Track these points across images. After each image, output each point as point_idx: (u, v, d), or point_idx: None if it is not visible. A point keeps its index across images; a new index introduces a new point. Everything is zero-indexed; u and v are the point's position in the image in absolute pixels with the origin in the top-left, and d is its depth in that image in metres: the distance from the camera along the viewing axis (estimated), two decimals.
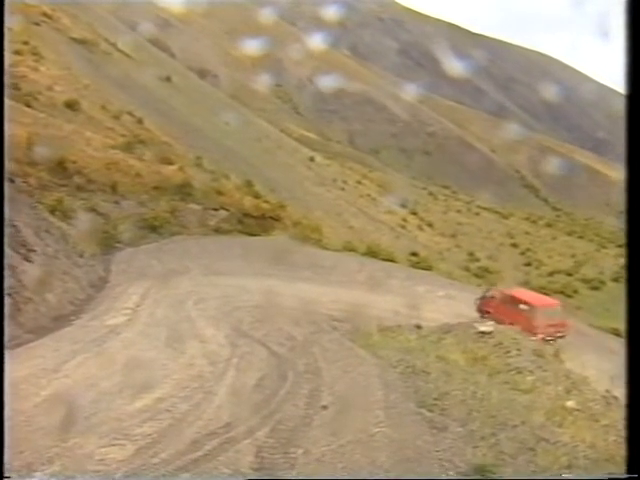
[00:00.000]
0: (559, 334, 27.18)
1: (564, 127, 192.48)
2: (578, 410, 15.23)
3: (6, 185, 26.94)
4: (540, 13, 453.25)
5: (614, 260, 75.99)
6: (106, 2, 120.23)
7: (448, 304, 33.07)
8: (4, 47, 8.63)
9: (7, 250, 22.75)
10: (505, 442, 11.69)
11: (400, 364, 16.79)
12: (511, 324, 26.34)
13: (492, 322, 22.96)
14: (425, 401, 13.62)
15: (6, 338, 17.79)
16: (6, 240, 23.37)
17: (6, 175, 28.23)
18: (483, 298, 30.86)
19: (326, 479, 9.98)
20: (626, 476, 7.78)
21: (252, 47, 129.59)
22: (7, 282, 19.66)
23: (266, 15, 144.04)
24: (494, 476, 10.51)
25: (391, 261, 48.05)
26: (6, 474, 8.17)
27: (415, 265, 52.59)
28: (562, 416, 14.34)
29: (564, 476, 11.15)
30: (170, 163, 54.35)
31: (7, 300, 19.64)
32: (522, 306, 28.69)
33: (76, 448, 10.10)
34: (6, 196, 25.65)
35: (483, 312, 29.72)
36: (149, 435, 10.76)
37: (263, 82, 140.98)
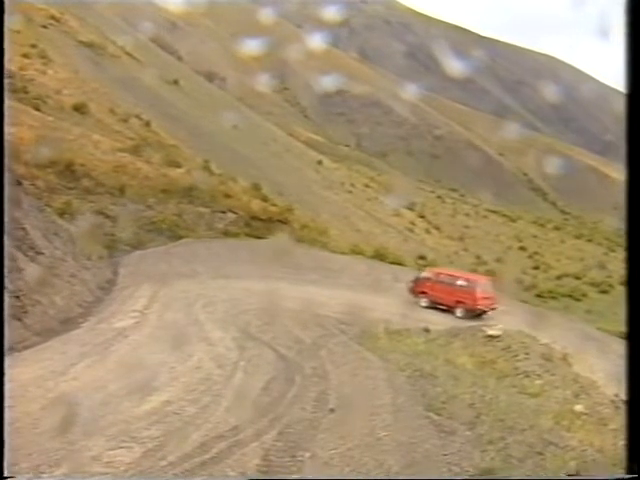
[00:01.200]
0: (492, 306, 31.61)
1: (572, 130, 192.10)
2: (586, 414, 15.18)
3: (14, 188, 27.05)
4: (543, 14, 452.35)
5: (623, 263, 75.64)
6: (113, 5, 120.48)
7: None
8: (4, 47, 8.63)
9: (16, 252, 22.81)
10: (513, 446, 11.64)
11: (408, 367, 16.76)
12: (451, 301, 31.38)
13: (499, 326, 22.90)
14: (433, 405, 13.59)
15: (14, 340, 17.87)
16: (15, 243, 23.43)
17: (15, 178, 28.32)
18: (417, 280, 32.94)
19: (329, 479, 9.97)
20: (626, 476, 7.76)
21: (259, 49, 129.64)
22: (15, 284, 19.71)
23: (272, 17, 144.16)
24: (493, 476, 10.49)
25: (399, 264, 47.99)
26: (14, 476, 8.17)
27: (423, 268, 52.53)
28: (570, 420, 14.29)
29: (564, 477, 11.12)
30: (178, 166, 54.43)
31: (15, 302, 19.68)
32: (461, 282, 32.05)
33: (84, 450, 10.09)
34: (15, 199, 25.70)
35: (417, 293, 32.35)
36: (156, 438, 10.75)
37: (270, 85, 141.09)
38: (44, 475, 9.17)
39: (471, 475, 10.38)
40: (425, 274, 33.75)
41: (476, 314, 30.55)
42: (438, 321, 26.54)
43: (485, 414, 13.22)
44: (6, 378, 13.68)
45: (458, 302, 31.58)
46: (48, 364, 15.78)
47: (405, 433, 11.77)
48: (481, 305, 31.35)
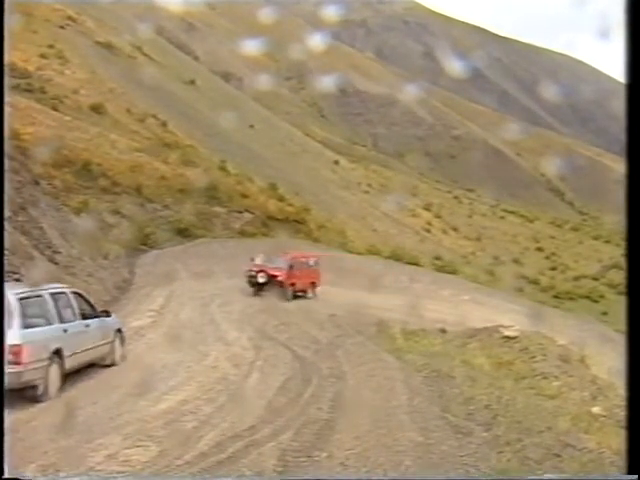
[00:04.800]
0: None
1: (591, 130, 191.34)
2: (604, 416, 15.10)
3: (32, 187, 27.20)
4: (558, 12, 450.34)
5: None
6: (130, 6, 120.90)
7: (473, 308, 32.96)
8: (4, 47, 8.66)
9: (33, 251, 22.89)
10: (530, 448, 11.59)
11: (425, 368, 16.72)
12: (306, 282, 31.56)
13: (517, 327, 22.79)
14: (450, 406, 13.54)
15: None
16: (32, 242, 23.53)
17: (32, 177, 28.47)
18: (261, 268, 30.29)
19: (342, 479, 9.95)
20: (626, 476, 7.71)
21: (275, 49, 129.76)
22: (32, 284, 19.70)
23: (289, 17, 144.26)
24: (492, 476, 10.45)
25: (415, 264, 47.97)
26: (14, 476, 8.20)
27: (440, 269, 52.49)
28: (588, 422, 14.21)
29: (568, 476, 11.07)
30: (195, 166, 54.59)
31: None
32: (312, 262, 32.61)
33: (101, 449, 10.12)
34: (32, 198, 25.84)
35: (255, 284, 29.94)
36: (173, 437, 10.77)
37: (287, 85, 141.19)
38: (61, 474, 9.19)
39: (487, 476, 10.34)
40: (274, 261, 31.16)
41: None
42: (454, 322, 26.44)
43: (502, 415, 13.16)
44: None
45: (312, 283, 32.12)
46: None
47: (422, 434, 11.73)
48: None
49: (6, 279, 15.75)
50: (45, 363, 12.47)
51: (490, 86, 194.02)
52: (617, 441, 12.01)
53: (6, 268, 16.47)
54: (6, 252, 17.54)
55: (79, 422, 11.14)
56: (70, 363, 13.40)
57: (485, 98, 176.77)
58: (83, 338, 14.06)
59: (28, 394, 12.13)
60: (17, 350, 11.68)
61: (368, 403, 13.79)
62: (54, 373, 12.75)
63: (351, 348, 19.81)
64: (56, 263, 24.69)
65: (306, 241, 46.86)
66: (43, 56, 67.33)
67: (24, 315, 12.19)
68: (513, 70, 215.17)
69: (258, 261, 30.63)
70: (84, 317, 14.34)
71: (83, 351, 14.02)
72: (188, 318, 22.92)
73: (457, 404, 13.74)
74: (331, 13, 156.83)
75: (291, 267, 30.65)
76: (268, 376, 15.40)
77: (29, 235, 23.88)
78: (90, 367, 14.67)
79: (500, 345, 20.71)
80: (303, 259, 32.64)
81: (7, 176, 19.42)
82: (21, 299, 12.32)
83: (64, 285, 15.72)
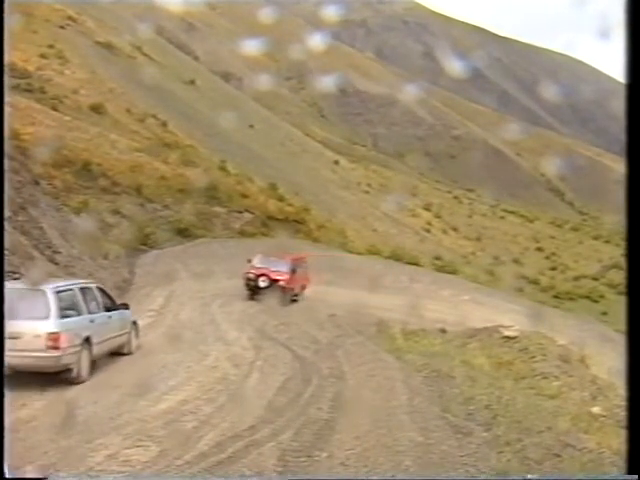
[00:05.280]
0: None
1: (591, 130, 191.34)
2: (604, 416, 15.10)
3: (32, 187, 27.19)
4: (560, 12, 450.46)
5: None
6: (130, 6, 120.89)
7: (473, 308, 32.95)
8: (4, 47, 8.67)
9: (33, 251, 22.90)
10: (530, 448, 11.59)
11: (425, 368, 16.72)
12: (300, 285, 29.71)
13: (517, 327, 22.79)
14: (450, 406, 13.55)
15: None
16: (32, 242, 23.53)
17: (32, 177, 28.46)
18: (262, 272, 28.31)
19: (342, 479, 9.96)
20: (626, 476, 7.72)
21: (275, 49, 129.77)
22: (32, 284, 19.71)
23: (289, 17, 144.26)
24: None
25: (415, 264, 47.94)
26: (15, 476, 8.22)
27: (440, 269, 52.48)
28: (588, 422, 14.22)
29: (568, 476, 11.07)
30: (195, 166, 54.59)
31: None
32: (304, 265, 30.74)
33: (101, 449, 10.12)
34: (32, 198, 25.83)
35: (255, 288, 28.10)
36: (173, 437, 10.77)
37: (287, 85, 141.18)
38: (61, 473, 9.19)
39: (487, 476, 10.35)
40: (270, 263, 29.00)
41: None
42: (454, 322, 26.43)
43: (502, 415, 13.16)
44: None
45: (303, 286, 30.18)
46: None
47: (422, 434, 11.73)
48: None
49: (6, 279, 15.89)
50: (78, 349, 13.97)
51: (490, 86, 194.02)
52: (617, 441, 12.02)
53: (6, 268, 16.60)
54: (6, 252, 17.59)
55: (79, 422, 11.16)
56: (97, 350, 14.83)
57: (485, 98, 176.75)
58: (106, 328, 15.49)
59: (65, 376, 13.63)
60: (56, 337, 13.33)
61: (368, 403, 13.80)
62: (85, 358, 14.21)
63: (351, 348, 19.81)
64: (56, 263, 24.70)
65: (306, 241, 46.83)
66: (43, 56, 67.32)
67: (59, 307, 13.73)
68: (513, 70, 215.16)
69: (256, 263, 28.66)
70: (106, 309, 15.80)
71: (107, 340, 15.48)
72: (188, 318, 22.92)
73: (457, 404, 13.74)
74: (331, 13, 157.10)
75: (293, 270, 28.92)
76: (268, 376, 15.40)
77: (29, 235, 23.89)
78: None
79: (500, 345, 20.71)
80: (301, 261, 30.76)
81: (7, 176, 19.42)
82: (56, 292, 13.92)
83: (89, 280, 17.95)
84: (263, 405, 12.96)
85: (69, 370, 13.70)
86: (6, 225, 19.10)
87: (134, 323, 17.47)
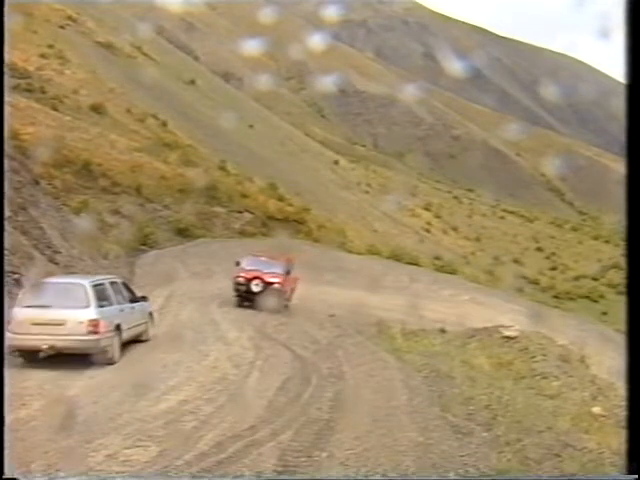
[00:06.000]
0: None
1: (591, 130, 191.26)
2: (604, 416, 15.09)
3: (32, 187, 27.19)
4: (561, 12, 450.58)
5: None
6: (130, 6, 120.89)
7: (473, 308, 32.92)
8: (4, 47, 8.67)
9: (33, 251, 22.91)
10: (530, 448, 11.59)
11: (425, 368, 16.72)
12: (291, 288, 27.08)
13: (517, 327, 22.77)
14: (450, 406, 13.55)
15: None
16: (32, 242, 23.54)
17: (32, 177, 28.47)
18: (254, 274, 26.07)
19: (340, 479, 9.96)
20: (626, 476, 7.72)
21: (275, 49, 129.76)
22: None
23: (289, 17, 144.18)
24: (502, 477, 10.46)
25: (415, 264, 47.91)
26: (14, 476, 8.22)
27: (440, 269, 52.45)
28: (588, 422, 14.21)
29: (568, 476, 11.07)
30: (195, 166, 54.56)
31: None
32: (292, 266, 27.44)
33: (101, 449, 10.13)
34: (32, 198, 25.83)
35: (247, 293, 25.93)
36: (173, 437, 10.77)
37: (287, 85, 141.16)
38: (60, 473, 9.19)
39: (487, 476, 10.35)
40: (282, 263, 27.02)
41: None
42: (455, 322, 26.41)
43: (502, 415, 13.17)
44: (23, 376, 13.81)
45: (292, 289, 27.53)
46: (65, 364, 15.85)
47: (422, 434, 11.73)
48: None
49: (6, 279, 16.15)
50: (112, 334, 15.97)
51: (490, 86, 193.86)
52: (617, 441, 12.00)
53: (6, 268, 16.81)
54: (6, 252, 17.68)
55: (79, 422, 11.16)
56: (124, 336, 16.70)
57: (485, 98, 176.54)
58: (131, 317, 17.48)
59: (102, 358, 15.35)
60: (96, 323, 15.37)
61: (368, 403, 13.80)
62: (116, 343, 16.17)
63: (351, 348, 19.81)
64: (56, 263, 24.71)
65: (306, 241, 46.83)
66: (43, 56, 67.31)
67: (96, 298, 15.80)
68: (513, 70, 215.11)
69: (246, 265, 26.46)
70: (130, 301, 17.78)
71: (132, 327, 17.39)
72: (188, 318, 22.92)
73: (457, 404, 13.74)
74: (331, 13, 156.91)
75: (288, 272, 26.73)
76: (268, 376, 15.40)
77: (29, 235, 23.90)
78: (89, 367, 14.72)
79: (500, 345, 20.69)
80: (291, 262, 27.66)
81: (7, 176, 19.46)
82: (93, 286, 16.04)
83: (115, 276, 20.21)
84: (263, 405, 12.96)
85: (105, 352, 15.58)
86: (6, 225, 19.14)
87: (150, 314, 19.34)
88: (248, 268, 26.27)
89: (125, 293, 17.76)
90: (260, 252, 28.47)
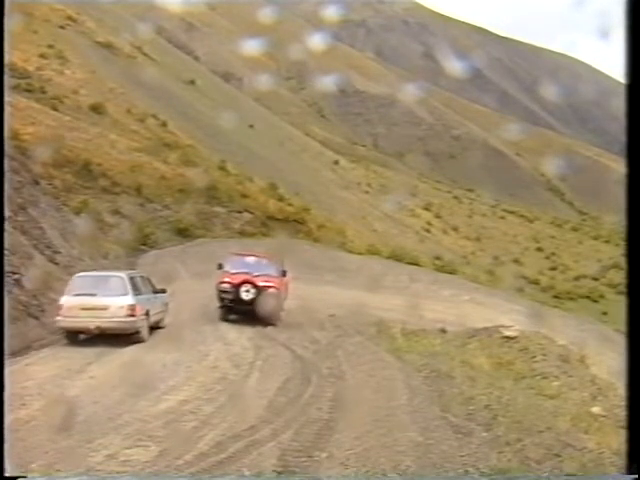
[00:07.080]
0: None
1: (591, 130, 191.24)
2: (604, 416, 15.08)
3: (32, 187, 27.20)
4: (562, 12, 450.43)
5: None
6: (130, 6, 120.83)
7: (473, 308, 32.91)
8: (4, 47, 8.68)
9: (33, 251, 22.91)
10: (530, 448, 11.58)
11: (425, 368, 16.71)
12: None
13: (517, 327, 22.76)
14: (450, 406, 13.54)
15: (32, 339, 17.97)
16: (32, 242, 23.54)
17: (32, 177, 28.48)
18: (243, 278, 22.31)
19: None
20: (626, 476, 7.72)
21: (275, 49, 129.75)
22: (32, 283, 19.93)
23: (289, 17, 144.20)
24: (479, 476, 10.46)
25: (415, 264, 47.86)
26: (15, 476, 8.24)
27: (440, 269, 52.40)
28: (588, 422, 14.19)
29: (564, 476, 11.06)
30: (195, 166, 54.55)
31: (32, 301, 19.79)
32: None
33: (101, 449, 10.13)
34: (32, 198, 25.84)
35: (236, 302, 22.32)
36: (173, 437, 10.78)
37: (287, 85, 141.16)
38: (61, 473, 9.20)
39: (487, 476, 10.34)
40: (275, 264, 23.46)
41: None
42: (455, 322, 26.40)
43: (502, 415, 13.14)
44: (24, 376, 13.82)
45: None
46: (65, 363, 15.88)
47: (422, 434, 11.72)
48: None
49: (6, 279, 16.36)
50: (144, 317, 18.92)
51: (490, 86, 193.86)
52: (617, 441, 12.00)
53: (6, 268, 16.96)
54: (6, 252, 17.76)
55: (79, 422, 11.16)
56: (151, 320, 19.61)
57: (485, 98, 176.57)
58: (155, 306, 20.29)
59: (136, 337, 18.38)
60: (133, 307, 18.28)
61: (368, 403, 13.78)
62: (146, 325, 19.15)
63: (351, 348, 19.79)
64: (56, 263, 24.73)
65: (306, 241, 46.82)
66: (43, 56, 67.28)
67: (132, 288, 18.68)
68: (513, 70, 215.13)
69: (231, 268, 22.77)
70: (153, 292, 20.45)
71: (156, 314, 20.20)
72: (188, 318, 22.91)
73: (457, 404, 13.72)
74: (331, 13, 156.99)
75: (284, 273, 23.39)
76: (268, 376, 15.40)
77: (29, 235, 23.91)
78: (88, 366, 14.73)
79: (500, 345, 20.67)
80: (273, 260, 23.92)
81: (7, 176, 19.46)
82: (130, 278, 19.09)
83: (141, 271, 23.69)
84: (263, 405, 12.96)
85: (139, 332, 18.50)
86: (6, 225, 19.19)
87: (166, 304, 21.69)
88: (234, 271, 22.42)
89: (149, 286, 20.39)
90: (245, 251, 25.31)
